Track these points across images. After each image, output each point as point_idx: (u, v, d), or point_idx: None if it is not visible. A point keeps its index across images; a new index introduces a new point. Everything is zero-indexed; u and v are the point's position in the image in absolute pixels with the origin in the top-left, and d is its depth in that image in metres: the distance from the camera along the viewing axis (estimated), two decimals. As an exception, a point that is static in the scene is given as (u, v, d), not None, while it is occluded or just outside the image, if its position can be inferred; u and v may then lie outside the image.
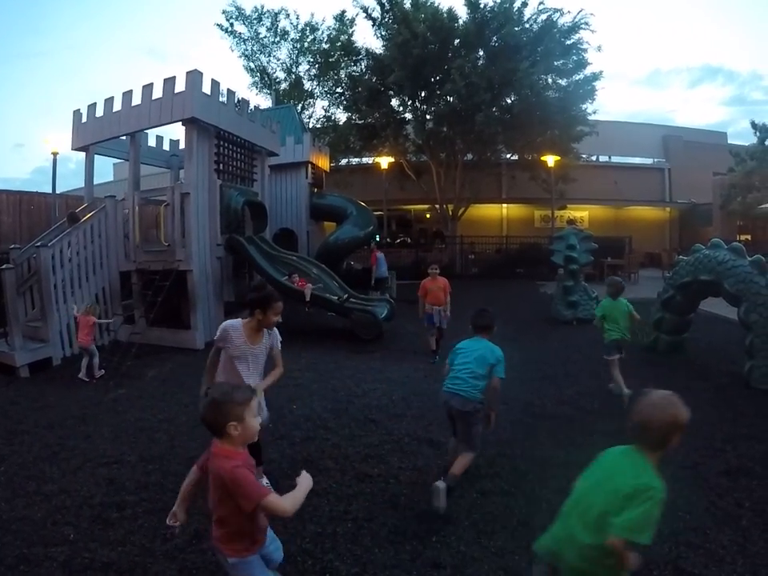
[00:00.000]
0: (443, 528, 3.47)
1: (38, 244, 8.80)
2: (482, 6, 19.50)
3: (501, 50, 19.06)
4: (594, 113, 21.44)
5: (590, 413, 5.66)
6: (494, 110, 19.56)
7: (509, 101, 20.24)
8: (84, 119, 10.71)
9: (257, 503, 2.08)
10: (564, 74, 20.53)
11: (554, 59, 19.73)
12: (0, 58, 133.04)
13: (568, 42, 19.79)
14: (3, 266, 8.31)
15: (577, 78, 20.43)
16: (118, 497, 4.06)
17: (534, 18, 19.82)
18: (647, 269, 21.97)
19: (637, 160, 31.57)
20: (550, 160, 20.82)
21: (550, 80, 20.67)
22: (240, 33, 26.09)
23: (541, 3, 19.60)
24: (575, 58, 20.15)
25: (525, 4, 19.53)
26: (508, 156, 24.29)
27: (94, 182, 11.52)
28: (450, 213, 22.91)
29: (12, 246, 9.74)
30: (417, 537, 3.39)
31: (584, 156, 25.15)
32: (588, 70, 20.34)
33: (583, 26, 19.59)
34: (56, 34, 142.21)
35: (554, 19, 19.59)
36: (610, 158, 31.12)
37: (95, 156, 11.19)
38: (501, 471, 4.27)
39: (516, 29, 19.16)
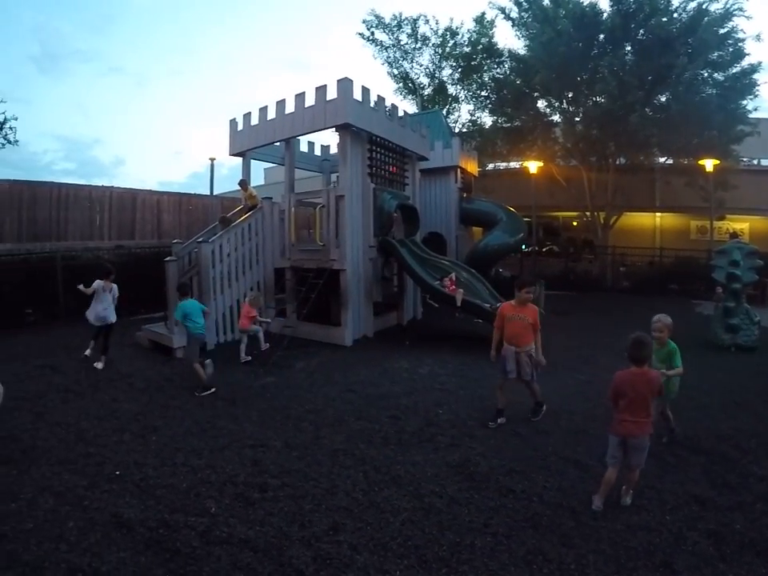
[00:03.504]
0: (584, 556, 3.20)
1: (200, 240, 9.49)
2: (625, -4, 18.03)
3: (650, 44, 17.38)
4: (755, 110, 18.78)
5: (747, 452, 4.86)
6: (647, 109, 18.07)
7: (662, 99, 18.58)
8: (240, 127, 11.48)
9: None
10: (719, 67, 18.17)
11: (709, 52, 17.53)
12: (157, 76, 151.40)
13: (721, 32, 17.51)
14: (167, 259, 9.12)
15: (734, 72, 18.04)
16: (261, 478, 4.16)
17: (682, 6, 17.87)
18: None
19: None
20: (708, 164, 18.62)
21: (705, 74, 18.49)
22: (381, 41, 26.47)
23: None
24: (731, 49, 17.78)
25: None
26: (662, 160, 22.17)
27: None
28: (602, 221, 21.49)
29: (174, 241, 10.70)
30: (555, 561, 3.15)
31: (744, 159, 22.21)
32: (745, 62, 17.92)
33: (737, 12, 17.28)
34: (205, 53, 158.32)
35: (704, 6, 17.52)
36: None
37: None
38: (648, 504, 3.86)
39: (664, 20, 17.37)
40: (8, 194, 11.99)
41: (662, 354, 4.69)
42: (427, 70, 26.50)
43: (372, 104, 10.03)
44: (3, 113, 8.73)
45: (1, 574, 2.97)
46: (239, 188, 11.58)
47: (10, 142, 8.88)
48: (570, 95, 20.31)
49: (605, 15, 18.45)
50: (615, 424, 3.78)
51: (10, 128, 8.84)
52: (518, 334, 5.41)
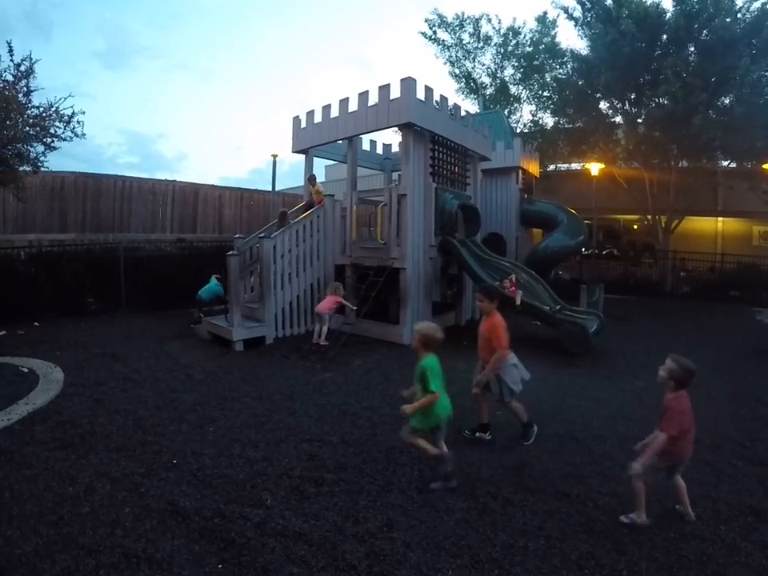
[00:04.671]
0: (637, 563, 3.13)
1: (262, 235, 9.57)
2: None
3: (714, 45, 16.63)
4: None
5: (807, 465, 4.55)
6: (710, 112, 17.31)
7: (726, 101, 17.76)
8: (303, 125, 11.52)
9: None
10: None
11: (773, 52, 16.67)
12: (220, 73, 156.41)
13: (787, 32, 16.61)
14: (229, 253, 9.23)
15: None
16: (317, 473, 4.12)
17: (746, 6, 17.13)
18: None
19: None
20: (772, 168, 17.61)
21: (768, 75, 17.60)
22: (443, 40, 26.42)
23: None
24: None
25: None
26: (725, 163, 21.19)
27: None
28: (663, 225, 20.66)
29: (236, 236, 10.89)
30: (607, 567, 3.09)
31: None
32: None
33: None
34: (268, 50, 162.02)
35: None
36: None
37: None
38: (702, 514, 3.70)
39: (728, 20, 16.68)
40: (73, 186, 12.50)
41: (417, 370, 4.03)
42: (489, 70, 26.34)
43: (435, 103, 9.91)
44: (71, 107, 9.04)
45: (57, 555, 2.97)
46: (307, 183, 11.68)
47: (77, 135, 9.17)
48: (632, 96, 19.71)
49: (668, 15, 17.94)
50: (675, 452, 3.48)
51: (78, 122, 9.13)
52: (480, 347, 4.84)
